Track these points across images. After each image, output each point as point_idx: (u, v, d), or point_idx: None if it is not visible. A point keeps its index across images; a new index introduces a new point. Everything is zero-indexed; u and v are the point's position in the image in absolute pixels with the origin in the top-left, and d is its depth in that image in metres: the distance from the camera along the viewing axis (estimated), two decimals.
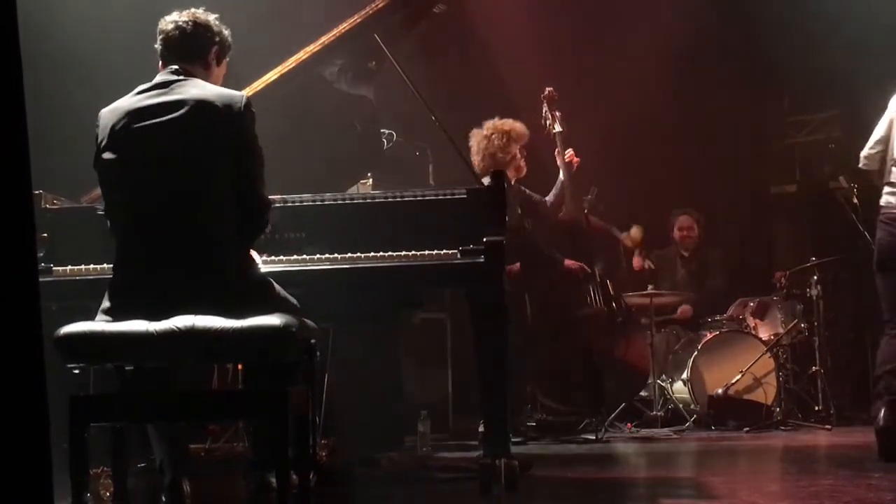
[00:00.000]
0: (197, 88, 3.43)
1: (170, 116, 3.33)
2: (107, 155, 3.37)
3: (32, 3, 5.42)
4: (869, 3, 7.98)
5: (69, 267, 3.93)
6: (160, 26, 3.56)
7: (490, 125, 6.45)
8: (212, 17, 3.58)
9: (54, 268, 3.93)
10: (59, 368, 3.15)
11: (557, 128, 6.67)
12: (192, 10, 3.57)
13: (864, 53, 8.24)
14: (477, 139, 6.41)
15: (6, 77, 1.69)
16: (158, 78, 3.48)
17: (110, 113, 3.41)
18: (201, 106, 3.37)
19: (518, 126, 6.47)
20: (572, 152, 6.68)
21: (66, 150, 4.70)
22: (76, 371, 3.22)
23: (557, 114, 6.68)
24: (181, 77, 3.46)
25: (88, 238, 3.92)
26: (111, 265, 3.54)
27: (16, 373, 1.70)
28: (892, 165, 4.72)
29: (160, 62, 3.56)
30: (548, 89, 6.75)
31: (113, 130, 3.36)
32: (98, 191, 4.29)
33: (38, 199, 4.00)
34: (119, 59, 5.49)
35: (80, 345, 3.18)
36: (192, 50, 3.55)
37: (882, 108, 8.67)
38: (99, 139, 3.40)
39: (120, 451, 3.51)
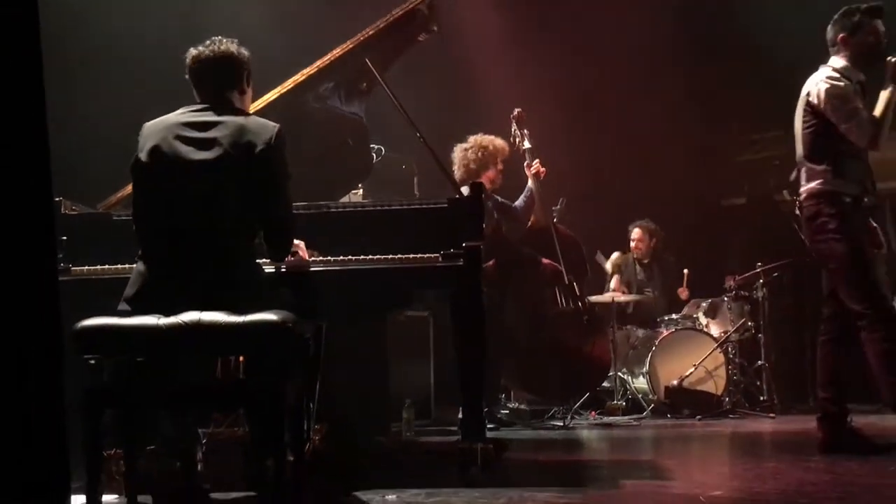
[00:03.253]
0: (236, 117, 3.44)
1: (210, 135, 3.34)
2: (144, 164, 3.36)
3: (55, 24, 5.41)
4: (810, 31, 8.01)
5: (85, 267, 3.92)
6: (192, 57, 3.52)
7: (471, 140, 6.48)
8: (235, 45, 3.56)
9: (72, 268, 3.91)
10: (75, 359, 3.16)
11: (526, 144, 6.69)
12: (219, 39, 3.54)
13: (809, 72, 8.28)
14: (458, 152, 6.44)
15: (30, 100, 1.68)
16: (200, 104, 3.47)
17: (155, 125, 3.41)
18: (239, 133, 3.37)
19: (497, 142, 6.49)
20: (539, 164, 6.69)
21: (84, 163, 4.68)
22: (91, 362, 3.21)
23: (525, 132, 6.70)
24: (219, 105, 3.46)
25: (103, 241, 3.91)
26: (123, 265, 3.54)
27: (36, 362, 1.69)
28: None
29: (196, 92, 3.53)
30: (517, 110, 6.77)
31: (156, 139, 3.36)
32: (114, 197, 4.31)
33: (58, 206, 3.98)
34: (139, 78, 5.47)
35: (95, 338, 3.17)
36: (227, 79, 3.53)
37: None
38: (139, 147, 3.39)
39: (131, 436, 3.50)
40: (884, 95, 4.47)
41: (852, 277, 4.51)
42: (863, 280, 4.48)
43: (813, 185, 4.57)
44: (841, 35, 4.62)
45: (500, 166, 6.55)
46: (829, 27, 4.69)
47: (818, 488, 3.56)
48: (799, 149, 4.70)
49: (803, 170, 4.66)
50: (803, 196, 4.66)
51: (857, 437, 4.53)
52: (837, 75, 4.52)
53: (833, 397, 4.67)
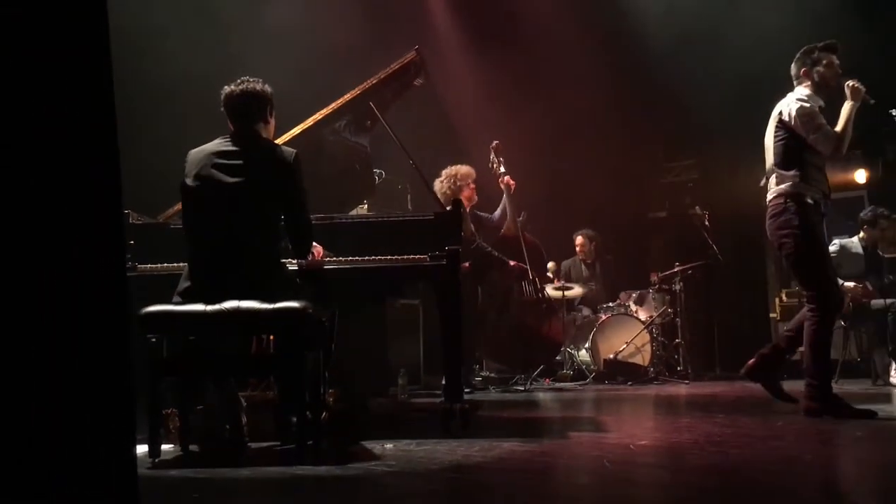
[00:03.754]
0: (261, 145, 3.44)
1: (240, 162, 3.33)
2: (189, 185, 3.36)
3: (126, 52, 5.38)
4: (720, 75, 8.07)
5: (148, 266, 3.90)
6: (225, 94, 3.52)
7: (443, 174, 6.52)
8: (259, 84, 3.56)
9: (138, 266, 3.89)
10: (141, 338, 3.15)
11: (502, 169, 6.68)
12: (245, 79, 3.54)
13: (715, 115, 8.34)
14: (436, 186, 6.46)
15: (103, 128, 1.68)
16: (231, 133, 3.47)
17: (197, 154, 3.42)
18: (263, 158, 3.38)
19: (461, 170, 6.50)
20: (509, 177, 6.69)
21: (148, 181, 4.66)
22: (153, 340, 3.20)
23: (501, 159, 6.69)
24: (248, 135, 3.47)
25: (162, 245, 3.88)
26: (178, 264, 3.53)
27: (109, 340, 1.69)
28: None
29: (229, 121, 3.53)
30: (495, 142, 6.75)
31: (197, 168, 3.36)
32: (170, 210, 4.29)
33: (126, 217, 3.96)
34: (187, 112, 5.44)
35: (156, 321, 3.18)
36: (255, 112, 3.52)
37: (729, 158, 8.79)
38: (186, 172, 3.39)
39: (185, 398, 3.50)
40: (844, 111, 4.33)
41: (807, 268, 4.38)
42: (815, 271, 4.35)
43: (782, 186, 4.40)
44: (803, 69, 4.49)
45: (472, 186, 6.55)
46: (793, 63, 4.54)
47: (723, 438, 3.56)
48: (769, 159, 4.51)
49: (773, 176, 4.48)
50: (771, 196, 4.47)
51: (840, 403, 4.26)
52: (805, 98, 4.39)
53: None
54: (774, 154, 4.47)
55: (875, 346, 6.75)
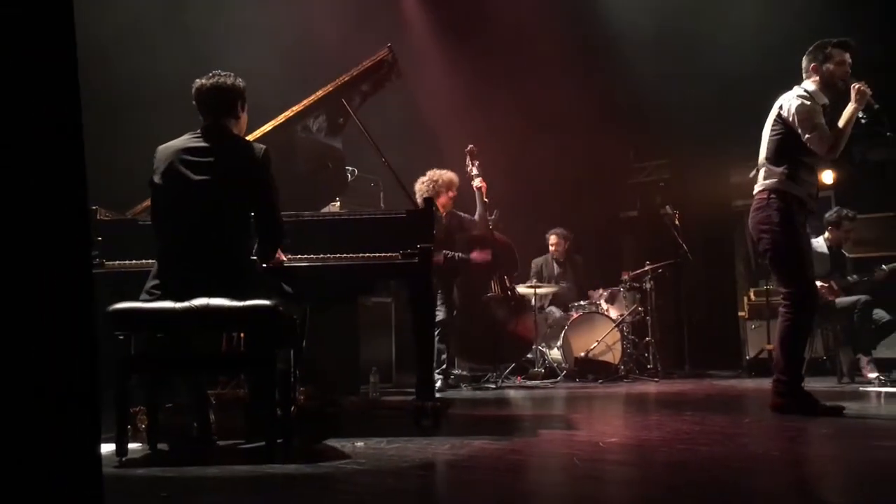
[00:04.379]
0: (230, 140, 3.40)
1: (208, 159, 3.30)
2: (158, 181, 3.33)
3: (97, 50, 5.31)
4: (691, 75, 8.15)
5: (116, 262, 3.85)
6: (196, 87, 3.47)
7: (427, 174, 6.49)
8: (231, 78, 3.52)
9: (106, 262, 3.84)
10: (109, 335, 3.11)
11: (475, 171, 6.66)
12: (217, 72, 3.50)
13: (686, 118, 8.42)
14: (417, 184, 6.45)
15: (68, 124, 1.65)
16: (202, 128, 3.43)
17: (165, 150, 3.37)
18: (231, 154, 3.34)
19: (444, 176, 6.49)
20: (481, 179, 6.67)
21: (117, 177, 4.60)
22: (121, 337, 3.16)
23: (476, 162, 6.66)
24: (218, 129, 3.42)
25: (131, 241, 3.84)
26: (147, 261, 3.49)
27: (74, 338, 1.66)
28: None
29: (200, 114, 3.48)
30: (470, 146, 6.73)
31: (165, 164, 3.32)
32: (139, 206, 4.23)
33: (94, 213, 3.91)
34: (165, 104, 5.38)
35: (125, 318, 3.14)
36: (223, 106, 3.48)
37: (700, 158, 8.88)
38: (154, 168, 3.35)
39: (153, 396, 3.45)
40: (845, 113, 4.26)
41: (785, 264, 4.36)
42: (793, 268, 4.33)
43: (769, 182, 4.36)
44: (813, 64, 4.41)
45: (450, 193, 6.53)
46: (805, 56, 4.46)
47: (691, 435, 3.59)
48: (762, 152, 4.46)
49: (763, 170, 4.44)
50: (757, 190, 4.44)
51: (809, 400, 4.29)
52: (807, 95, 4.32)
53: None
54: (767, 148, 4.43)
55: (841, 344, 6.85)
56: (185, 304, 3.10)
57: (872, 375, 6.42)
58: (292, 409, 3.52)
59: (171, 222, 3.33)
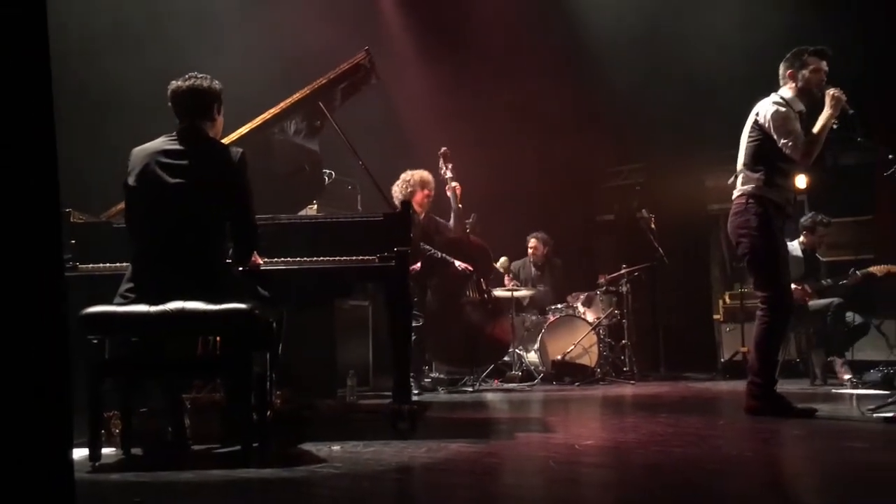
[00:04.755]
0: (206, 143, 3.38)
1: (182, 162, 3.28)
2: (133, 184, 3.30)
3: (72, 54, 5.27)
4: (666, 80, 8.22)
5: (90, 265, 3.82)
6: (172, 89, 3.44)
7: (400, 177, 6.48)
8: (208, 80, 3.49)
9: (80, 265, 3.81)
10: (82, 338, 3.08)
11: (449, 174, 6.65)
12: (193, 74, 3.47)
13: (662, 122, 8.49)
14: (393, 188, 6.44)
15: (41, 123, 1.64)
16: (177, 131, 3.40)
17: (140, 152, 3.34)
18: (207, 157, 3.32)
19: (416, 175, 6.47)
20: (456, 184, 6.67)
21: (92, 180, 4.56)
22: (95, 341, 3.13)
23: (450, 165, 6.65)
24: (194, 132, 3.40)
25: (105, 244, 3.81)
26: (122, 264, 3.46)
27: (46, 341, 1.64)
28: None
29: (175, 116, 3.45)
30: (443, 148, 6.72)
31: (140, 166, 3.29)
32: (114, 209, 4.20)
33: (67, 216, 3.87)
34: (141, 107, 5.35)
35: (98, 322, 3.11)
36: (201, 108, 3.45)
37: (675, 162, 8.96)
38: (129, 170, 3.32)
39: (127, 400, 3.42)
40: (820, 119, 4.30)
41: (763, 268, 4.41)
42: (770, 272, 4.38)
43: (747, 187, 4.41)
44: (789, 71, 4.46)
45: (426, 191, 6.52)
46: (782, 63, 4.50)
47: (665, 437, 3.62)
48: (740, 158, 4.51)
49: (741, 176, 4.49)
50: (736, 195, 4.48)
51: (782, 403, 4.33)
52: (783, 102, 4.37)
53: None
54: (745, 154, 4.48)
55: (813, 346, 6.93)
56: (160, 307, 3.08)
57: (847, 377, 6.49)
58: (268, 412, 3.50)
59: (145, 225, 3.31)
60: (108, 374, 3.21)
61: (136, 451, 3.38)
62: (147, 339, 3.30)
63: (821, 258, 7.16)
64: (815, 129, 4.31)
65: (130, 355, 3.36)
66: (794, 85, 4.45)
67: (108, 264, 3.79)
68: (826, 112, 4.31)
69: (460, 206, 6.63)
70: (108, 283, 3.42)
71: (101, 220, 4.14)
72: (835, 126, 4.37)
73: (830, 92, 4.33)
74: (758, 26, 7.10)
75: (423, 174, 6.50)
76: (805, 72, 4.42)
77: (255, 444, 3.11)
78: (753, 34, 7.00)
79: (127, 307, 3.13)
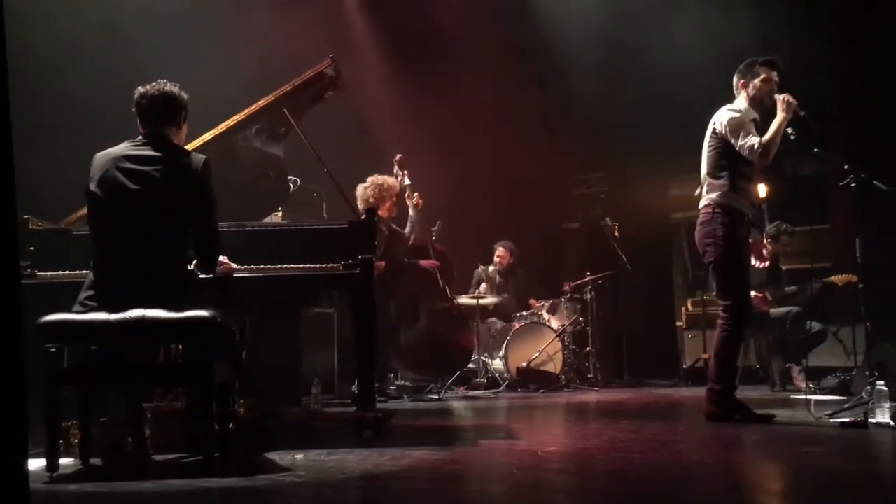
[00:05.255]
0: (169, 149, 3.35)
1: (146, 168, 3.24)
2: (94, 189, 3.26)
3: (29, 62, 5.20)
4: (629, 90, 8.30)
5: (49, 272, 3.76)
6: (140, 94, 3.41)
7: (369, 180, 6.46)
8: (177, 88, 3.47)
9: (38, 273, 3.75)
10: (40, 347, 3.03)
11: (407, 181, 6.65)
12: (162, 81, 3.45)
13: (625, 131, 8.58)
14: (359, 189, 6.43)
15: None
16: (141, 137, 3.37)
17: (103, 156, 3.31)
18: (170, 163, 3.29)
19: (389, 181, 6.47)
20: (418, 196, 6.69)
21: (51, 187, 4.49)
22: (53, 349, 3.08)
23: (405, 171, 6.65)
24: (158, 138, 3.36)
25: (65, 251, 3.76)
26: (81, 272, 3.42)
27: (1, 349, 1.62)
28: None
29: (139, 123, 3.42)
30: (398, 155, 6.71)
31: (101, 172, 3.25)
32: (73, 216, 4.14)
33: (25, 223, 3.81)
34: (98, 111, 5.28)
35: (57, 330, 3.07)
36: (166, 116, 3.42)
37: (638, 171, 9.05)
38: (91, 175, 3.28)
39: (85, 409, 3.37)
40: (774, 122, 4.40)
41: (727, 278, 4.48)
42: (734, 281, 4.45)
43: (711, 195, 4.50)
44: (741, 81, 4.58)
45: (394, 199, 6.53)
46: (735, 74, 4.63)
47: (627, 443, 3.66)
48: (704, 168, 4.61)
49: (706, 185, 4.58)
50: (703, 205, 4.57)
51: (741, 409, 4.42)
52: (738, 110, 4.49)
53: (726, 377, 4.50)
54: (707, 163, 4.59)
55: (773, 353, 7.04)
56: (121, 315, 3.04)
57: (803, 384, 6.60)
58: (231, 421, 3.47)
59: (106, 231, 3.27)
60: (67, 382, 3.16)
61: (95, 461, 3.34)
62: (107, 347, 3.26)
63: (783, 267, 7.27)
64: (771, 131, 4.43)
65: (89, 364, 3.31)
66: (746, 95, 4.59)
67: (67, 272, 3.74)
68: (779, 115, 4.43)
69: (420, 209, 6.63)
70: (68, 290, 3.37)
71: (60, 227, 4.08)
72: (792, 137, 4.47)
73: (781, 97, 4.46)
74: (721, 36, 7.20)
75: (395, 182, 6.51)
76: (756, 81, 4.56)
77: (216, 454, 3.08)
78: (717, 44, 7.11)
79: (86, 315, 3.09)
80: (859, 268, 4.96)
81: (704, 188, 4.60)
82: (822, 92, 7.90)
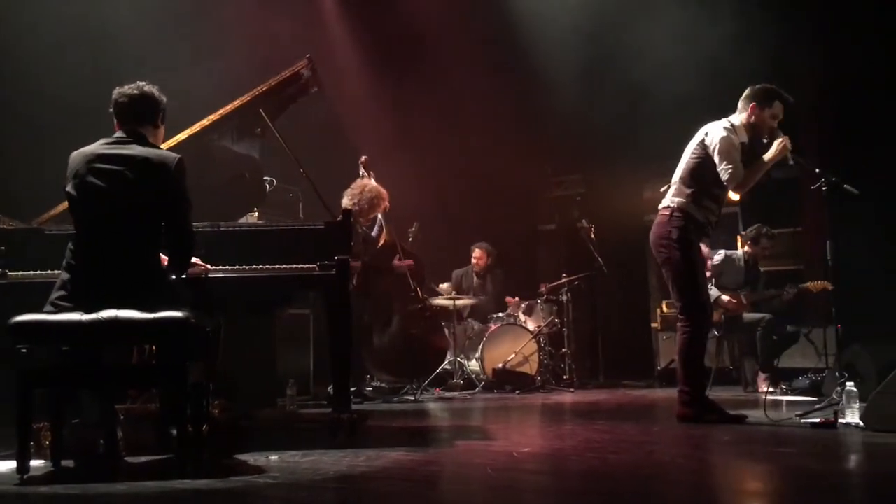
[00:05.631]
0: (144, 148, 3.33)
1: (120, 167, 3.23)
2: (70, 188, 3.24)
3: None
4: (606, 93, 8.36)
5: (20, 272, 3.72)
6: (118, 93, 3.40)
7: (372, 186, 6.33)
8: (155, 89, 3.46)
9: (9, 272, 3.71)
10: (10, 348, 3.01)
11: (372, 182, 6.59)
12: (140, 83, 3.44)
13: (599, 136, 8.64)
14: (357, 187, 6.31)
15: None
16: (117, 135, 3.35)
17: (78, 155, 3.29)
18: (144, 162, 3.27)
19: (383, 193, 6.40)
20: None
21: (23, 186, 4.46)
22: (24, 350, 3.05)
23: (371, 173, 6.60)
24: (134, 137, 3.35)
25: (36, 251, 3.73)
26: (53, 271, 3.40)
27: None
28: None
29: (117, 122, 3.41)
30: (363, 157, 6.65)
31: (78, 169, 3.24)
32: (45, 215, 4.11)
33: None
34: (71, 111, 5.24)
35: (28, 330, 3.05)
36: (144, 115, 3.42)
37: (614, 173, 9.11)
38: (68, 173, 3.26)
39: (57, 411, 3.34)
40: (763, 159, 4.45)
41: (680, 281, 4.55)
42: (687, 284, 4.52)
43: (676, 200, 4.56)
44: (752, 104, 4.56)
45: (379, 211, 6.48)
46: (748, 91, 4.59)
47: (601, 444, 3.68)
48: (678, 171, 4.64)
49: (673, 187, 4.62)
50: (662, 206, 4.63)
51: (713, 409, 4.49)
52: (732, 129, 4.49)
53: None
54: (683, 169, 4.62)
55: (745, 355, 7.12)
56: (93, 315, 3.02)
57: (765, 389, 6.67)
58: (205, 422, 3.46)
59: (80, 230, 3.25)
60: (38, 384, 3.13)
61: (67, 463, 3.30)
62: (78, 348, 3.23)
63: (761, 269, 7.33)
64: (753, 168, 4.47)
65: (61, 365, 3.28)
66: (749, 117, 4.57)
67: (39, 272, 3.70)
68: (770, 154, 4.46)
69: (387, 211, 6.61)
70: (40, 290, 3.34)
71: (32, 226, 4.04)
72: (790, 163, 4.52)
73: (780, 139, 4.47)
74: (697, 41, 7.27)
75: (384, 194, 6.42)
76: (767, 112, 4.54)
77: (190, 455, 3.07)
78: (693, 48, 7.18)
79: (58, 315, 3.07)
80: (829, 270, 5.02)
81: (671, 190, 4.64)
82: (795, 94, 8.01)
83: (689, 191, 4.54)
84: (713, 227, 4.70)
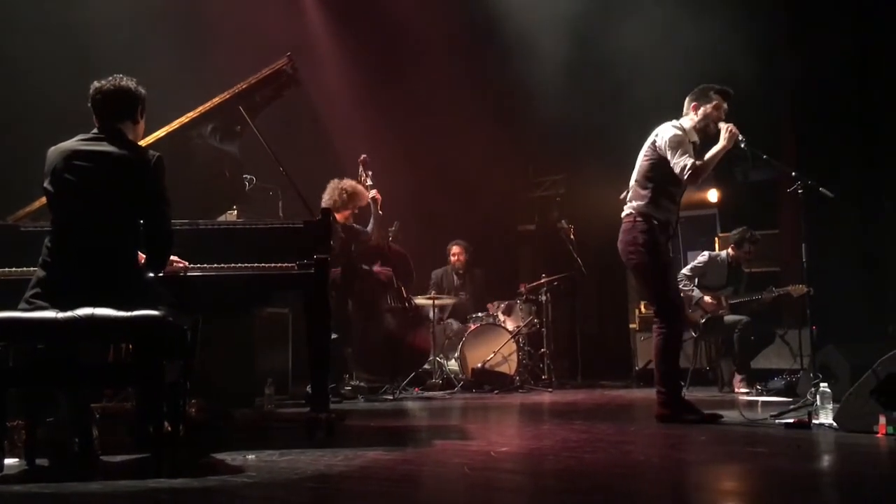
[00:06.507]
0: (121, 144, 3.30)
1: (96, 164, 3.20)
2: (48, 184, 3.22)
3: None
4: (586, 94, 8.40)
5: None
6: (95, 88, 3.36)
7: (346, 182, 6.42)
8: (133, 82, 3.43)
9: None
10: None
11: (369, 182, 6.64)
12: (119, 76, 3.40)
13: (580, 137, 8.69)
14: (333, 185, 6.38)
15: None
16: (94, 131, 3.32)
17: (55, 151, 3.27)
18: (121, 158, 3.25)
19: (358, 189, 6.44)
20: (376, 191, 6.67)
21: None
22: None
23: (370, 172, 6.64)
24: (112, 133, 3.32)
25: (11, 248, 3.69)
26: (28, 269, 3.37)
27: None
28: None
29: (95, 118, 3.37)
30: (363, 155, 6.70)
31: (55, 165, 3.22)
32: (20, 212, 4.07)
33: None
34: (47, 107, 5.19)
35: (2, 328, 3.01)
36: (123, 110, 3.39)
37: (593, 174, 9.15)
38: (45, 169, 3.23)
39: (32, 409, 3.31)
40: (714, 149, 4.50)
41: (651, 283, 4.63)
42: (659, 287, 4.59)
43: (635, 204, 4.62)
44: (693, 103, 4.66)
45: (357, 207, 6.50)
46: (689, 95, 4.70)
47: (578, 443, 3.70)
48: (633, 175, 4.71)
49: (631, 191, 4.69)
50: (625, 213, 4.69)
51: (690, 409, 4.53)
52: (681, 128, 4.57)
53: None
54: (638, 171, 4.68)
55: (722, 356, 7.18)
56: (68, 313, 2.99)
57: (740, 389, 6.74)
58: (182, 422, 3.44)
59: (57, 227, 3.22)
60: (13, 382, 3.10)
61: (42, 461, 3.28)
62: (54, 346, 3.20)
63: (744, 271, 7.37)
64: (708, 156, 4.53)
65: (36, 363, 3.25)
66: (695, 117, 4.67)
67: (14, 269, 3.67)
68: (720, 143, 4.52)
69: (381, 212, 6.63)
70: (15, 288, 3.31)
71: (7, 223, 3.99)
72: (742, 145, 4.55)
73: (726, 126, 4.55)
74: (679, 43, 7.32)
75: (365, 195, 6.46)
76: (708, 107, 4.64)
77: (166, 454, 3.05)
78: (675, 50, 7.24)
79: (32, 313, 3.04)
80: (805, 272, 5.08)
81: (630, 194, 4.72)
82: (772, 100, 8.10)
83: (644, 192, 4.61)
84: (675, 227, 4.75)
